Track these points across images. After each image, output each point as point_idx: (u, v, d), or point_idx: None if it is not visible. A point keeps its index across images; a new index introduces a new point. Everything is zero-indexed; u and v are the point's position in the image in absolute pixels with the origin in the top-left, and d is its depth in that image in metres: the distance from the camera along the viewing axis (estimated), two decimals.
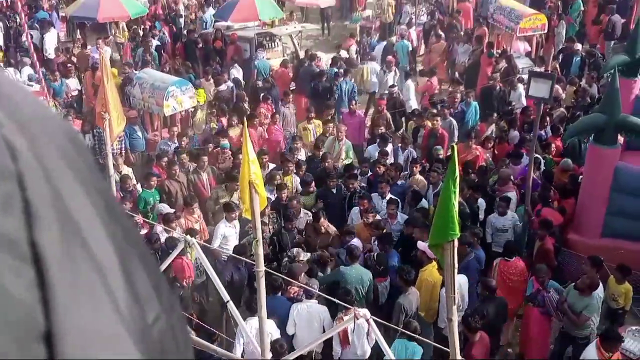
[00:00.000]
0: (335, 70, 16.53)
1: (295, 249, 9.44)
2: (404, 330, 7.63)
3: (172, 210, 10.77)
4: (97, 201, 0.55)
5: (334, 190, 11.31)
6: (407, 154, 12.89)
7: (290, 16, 21.87)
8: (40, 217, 0.48)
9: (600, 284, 9.08)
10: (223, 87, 15.66)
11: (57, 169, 0.52)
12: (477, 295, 9.22)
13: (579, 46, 17.89)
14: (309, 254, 9.55)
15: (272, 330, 7.88)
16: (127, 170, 12.11)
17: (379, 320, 6.85)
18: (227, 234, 10.23)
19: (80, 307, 0.48)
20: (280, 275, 8.48)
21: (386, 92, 15.79)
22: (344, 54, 18.11)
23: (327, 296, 8.18)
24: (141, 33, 19.71)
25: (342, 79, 15.90)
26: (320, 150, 12.65)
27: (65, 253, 0.49)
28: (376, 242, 9.95)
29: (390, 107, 14.86)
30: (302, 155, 12.85)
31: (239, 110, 14.57)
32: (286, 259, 9.34)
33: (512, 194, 11.23)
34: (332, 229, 10.38)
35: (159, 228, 10.12)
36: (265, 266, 6.56)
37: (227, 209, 10.44)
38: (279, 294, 8.69)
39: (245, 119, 9.16)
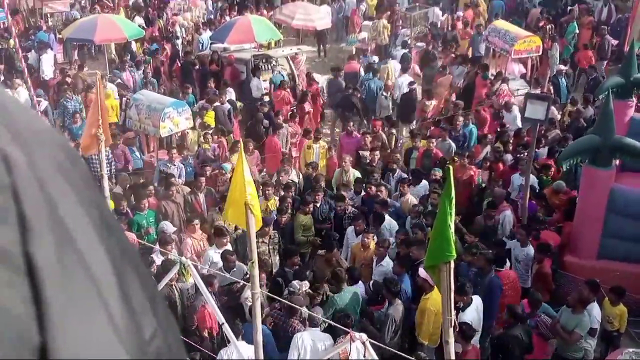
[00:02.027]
0: (368, 76, 17.37)
1: (296, 282, 9.17)
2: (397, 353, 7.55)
3: (174, 230, 10.72)
4: (92, 213, 0.54)
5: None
6: (398, 175, 12.89)
7: (298, 39, 22.13)
8: (35, 229, 0.48)
9: (597, 306, 9.05)
10: (223, 103, 15.69)
11: (52, 180, 0.52)
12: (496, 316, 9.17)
13: (562, 68, 18.13)
14: (308, 283, 9.42)
15: (250, 355, 7.77)
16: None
17: (376, 343, 6.81)
18: (216, 260, 9.82)
19: (75, 320, 0.48)
20: (283, 300, 8.45)
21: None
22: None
23: (331, 323, 8.10)
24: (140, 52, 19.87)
25: (370, 79, 17.03)
26: (311, 167, 13.05)
27: (60, 265, 0.48)
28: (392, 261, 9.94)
29: (408, 102, 16.40)
30: (293, 176, 12.87)
31: (255, 132, 14.66)
32: (286, 292, 9.06)
33: (508, 213, 11.23)
34: (344, 263, 10.26)
35: (155, 249, 10.03)
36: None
37: (218, 234, 10.14)
38: None
39: (241, 142, 9.16)
